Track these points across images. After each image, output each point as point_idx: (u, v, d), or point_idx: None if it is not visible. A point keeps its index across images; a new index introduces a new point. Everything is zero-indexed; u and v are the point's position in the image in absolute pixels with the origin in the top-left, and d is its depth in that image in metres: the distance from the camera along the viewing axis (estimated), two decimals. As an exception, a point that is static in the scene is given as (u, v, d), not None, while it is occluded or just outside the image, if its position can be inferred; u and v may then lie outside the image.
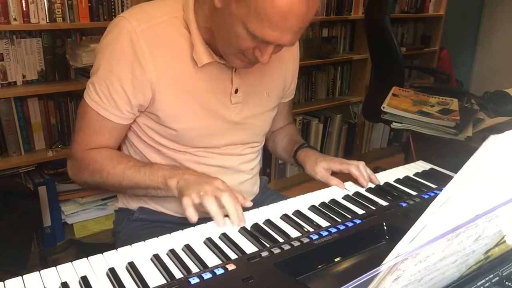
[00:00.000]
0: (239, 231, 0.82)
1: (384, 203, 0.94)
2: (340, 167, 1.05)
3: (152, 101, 0.94)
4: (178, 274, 0.69)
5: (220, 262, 0.72)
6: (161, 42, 0.92)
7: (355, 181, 1.04)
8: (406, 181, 1.05)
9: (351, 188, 1.02)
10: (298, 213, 0.89)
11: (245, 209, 0.87)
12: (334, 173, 1.07)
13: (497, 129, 1.61)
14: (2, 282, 0.65)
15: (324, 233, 0.80)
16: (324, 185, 1.05)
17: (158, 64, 0.92)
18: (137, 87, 0.92)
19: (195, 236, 0.80)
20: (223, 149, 1.04)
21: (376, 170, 1.09)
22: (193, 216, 0.82)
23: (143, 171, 0.92)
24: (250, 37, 0.82)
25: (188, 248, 0.75)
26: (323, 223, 0.86)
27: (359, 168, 1.04)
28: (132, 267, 0.70)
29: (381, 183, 1.04)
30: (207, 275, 0.67)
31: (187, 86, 0.96)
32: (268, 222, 0.85)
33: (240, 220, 0.83)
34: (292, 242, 0.77)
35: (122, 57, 0.91)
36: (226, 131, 1.02)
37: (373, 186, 1.03)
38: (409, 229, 0.47)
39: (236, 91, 1.00)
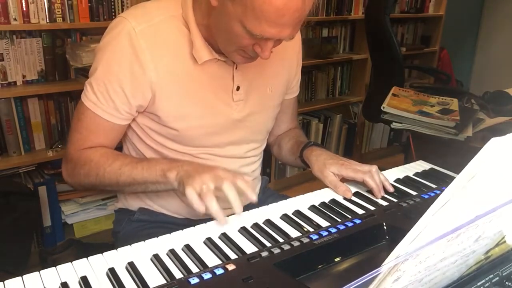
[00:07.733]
0: (239, 231, 0.82)
1: (384, 203, 0.94)
2: (353, 175, 0.98)
3: (152, 101, 0.94)
4: (178, 274, 0.69)
5: (220, 262, 0.72)
6: (160, 41, 0.91)
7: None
8: (406, 181, 1.05)
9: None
10: (298, 213, 0.89)
11: (245, 208, 0.87)
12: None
13: (497, 129, 1.62)
14: (2, 282, 0.65)
15: (324, 233, 0.80)
16: (324, 185, 1.03)
17: (158, 63, 0.91)
18: (136, 87, 0.92)
19: (195, 236, 0.80)
20: (226, 150, 1.03)
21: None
22: (200, 205, 0.79)
23: (140, 166, 0.91)
24: (249, 35, 0.82)
25: (188, 248, 0.75)
26: (323, 223, 0.86)
27: (373, 177, 0.97)
28: (132, 267, 0.70)
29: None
30: (207, 275, 0.67)
31: (188, 85, 0.95)
32: (268, 222, 0.85)
33: (240, 207, 0.81)
34: (292, 242, 0.76)
35: (121, 57, 0.91)
36: (228, 129, 1.01)
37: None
38: (409, 229, 0.47)
39: (237, 89, 1.00)
